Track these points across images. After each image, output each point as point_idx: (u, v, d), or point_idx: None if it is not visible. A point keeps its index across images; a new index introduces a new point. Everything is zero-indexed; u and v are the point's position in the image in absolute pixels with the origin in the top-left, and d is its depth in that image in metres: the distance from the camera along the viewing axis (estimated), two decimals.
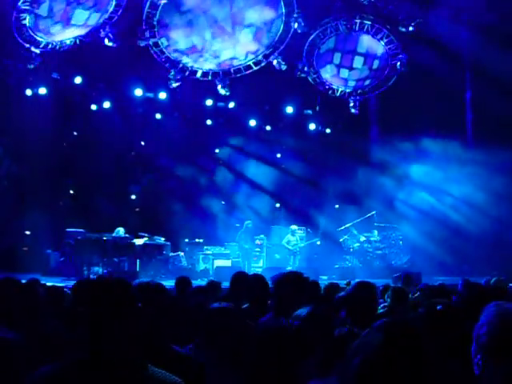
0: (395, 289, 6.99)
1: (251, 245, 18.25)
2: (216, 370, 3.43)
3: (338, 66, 18.32)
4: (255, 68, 17.80)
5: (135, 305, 2.48)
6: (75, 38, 16.43)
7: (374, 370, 1.78)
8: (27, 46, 16.06)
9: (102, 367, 2.30)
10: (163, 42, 16.99)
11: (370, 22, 17.47)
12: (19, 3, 15.14)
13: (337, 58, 18.20)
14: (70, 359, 2.38)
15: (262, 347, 3.67)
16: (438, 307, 3.66)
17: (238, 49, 17.43)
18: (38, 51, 16.23)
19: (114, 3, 16.12)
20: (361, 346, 1.85)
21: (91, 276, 14.67)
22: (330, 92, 18.83)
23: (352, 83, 18.67)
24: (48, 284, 8.58)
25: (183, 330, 4.68)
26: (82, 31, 16.34)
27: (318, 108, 20.06)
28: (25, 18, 15.54)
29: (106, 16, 16.22)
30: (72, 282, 9.76)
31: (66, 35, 16.32)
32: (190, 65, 17.67)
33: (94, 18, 16.19)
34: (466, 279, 9.52)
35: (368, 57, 18.13)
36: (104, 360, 2.32)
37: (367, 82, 18.69)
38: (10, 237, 17.59)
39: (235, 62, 17.77)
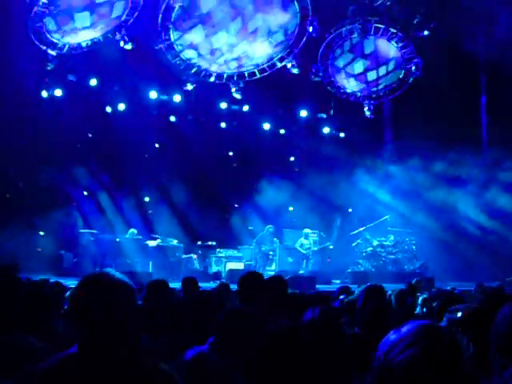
0: (397, 292, 6.96)
1: (269, 248, 18.27)
2: (231, 371, 3.43)
3: (353, 70, 18.29)
4: (270, 71, 17.81)
5: (135, 303, 2.46)
6: (91, 40, 16.52)
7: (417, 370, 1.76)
8: (44, 47, 16.17)
9: (92, 361, 2.30)
10: (178, 44, 17.03)
11: (384, 26, 17.43)
12: (36, 5, 15.25)
13: (352, 61, 18.17)
14: (62, 355, 2.38)
15: (275, 350, 3.67)
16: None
17: (253, 52, 17.43)
18: (54, 53, 16.33)
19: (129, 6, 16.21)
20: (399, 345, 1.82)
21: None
22: (344, 96, 18.80)
23: (367, 87, 18.62)
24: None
25: (189, 330, 4.70)
26: (97, 33, 16.43)
27: (332, 112, 20.04)
28: (41, 20, 15.65)
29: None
30: None
31: (83, 37, 16.41)
32: (204, 67, 17.70)
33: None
34: (479, 284, 9.49)
35: (383, 60, 18.08)
36: (94, 354, 2.32)
37: (382, 86, 18.63)
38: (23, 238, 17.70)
39: (250, 65, 17.78)
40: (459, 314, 3.74)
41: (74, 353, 2.35)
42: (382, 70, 18.25)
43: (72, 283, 11.27)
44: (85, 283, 2.42)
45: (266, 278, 5.88)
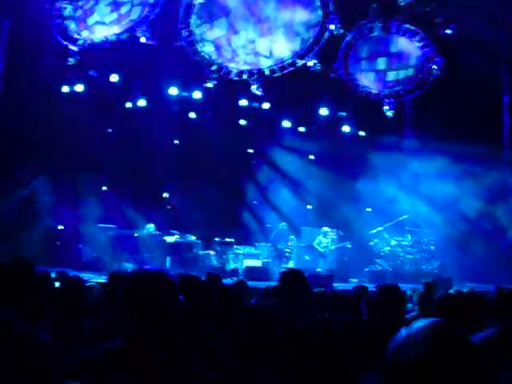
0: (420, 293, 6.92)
1: (284, 246, 18.29)
2: (251, 368, 3.43)
3: (374, 68, 18.22)
4: (290, 69, 17.78)
5: (176, 297, 2.55)
6: (112, 36, 16.62)
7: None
8: (65, 43, 16.31)
9: (139, 355, 2.34)
10: (199, 41, 17.08)
11: (406, 25, 17.34)
12: (58, 1, 15.39)
13: (373, 60, 18.10)
14: (109, 346, 2.43)
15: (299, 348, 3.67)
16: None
17: (274, 49, 17.44)
18: (75, 48, 16.48)
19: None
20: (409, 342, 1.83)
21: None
22: (364, 94, 18.72)
23: (387, 85, 18.54)
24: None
25: (208, 325, 4.72)
26: (119, 29, 16.53)
27: (352, 110, 19.96)
28: (63, 16, 15.78)
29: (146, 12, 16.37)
30: (103, 277, 9.90)
31: (104, 33, 16.52)
32: (224, 64, 17.73)
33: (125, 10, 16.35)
34: (499, 285, 9.40)
35: (404, 59, 17.99)
36: (142, 348, 2.36)
37: (403, 85, 18.52)
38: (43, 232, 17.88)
39: (270, 63, 17.78)
40: None
41: (119, 345, 2.42)
42: (403, 69, 18.15)
43: (90, 277, 11.40)
44: (142, 276, 2.54)
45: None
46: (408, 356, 1.77)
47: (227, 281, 13.59)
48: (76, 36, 16.30)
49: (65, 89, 18.14)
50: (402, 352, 1.79)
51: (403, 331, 1.87)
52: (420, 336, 1.80)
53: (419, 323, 1.86)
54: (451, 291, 9.90)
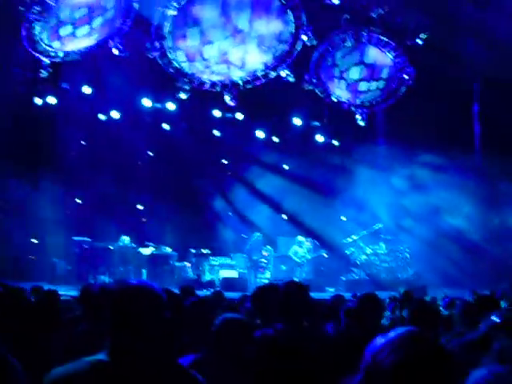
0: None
1: (259, 256, 18.27)
2: (225, 379, 3.43)
3: (346, 79, 18.35)
4: (264, 80, 17.84)
5: (164, 312, 2.50)
6: (85, 48, 16.52)
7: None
8: (37, 55, 16.18)
9: (122, 369, 2.31)
10: (172, 53, 17.06)
11: (377, 35, 17.52)
12: (29, 13, 15.27)
13: (345, 70, 18.23)
14: (90, 360, 2.39)
15: (270, 357, 3.68)
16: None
17: (247, 60, 17.48)
18: (47, 61, 16.34)
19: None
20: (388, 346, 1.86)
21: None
22: (336, 104, 18.84)
23: (360, 95, 18.68)
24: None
25: (186, 337, 4.70)
26: (91, 41, 16.45)
27: (325, 120, 20.08)
28: (34, 28, 15.67)
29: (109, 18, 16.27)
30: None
31: (77, 45, 16.42)
32: (197, 76, 17.72)
33: (98, 22, 16.29)
34: (474, 290, 9.53)
35: (376, 69, 18.15)
36: (125, 362, 2.33)
37: (375, 95, 18.68)
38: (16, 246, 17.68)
39: (244, 74, 17.81)
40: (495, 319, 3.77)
41: (103, 359, 2.38)
42: (375, 79, 18.31)
43: (65, 291, 11.26)
44: (125, 291, 2.48)
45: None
46: (385, 363, 1.81)
47: (203, 292, 13.57)
48: (48, 48, 16.16)
49: (37, 101, 18.00)
50: (379, 359, 1.83)
51: (380, 339, 1.90)
52: (396, 344, 1.84)
53: (395, 332, 1.90)
54: (427, 298, 10.02)
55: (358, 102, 18.73)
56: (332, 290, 16.75)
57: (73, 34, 16.22)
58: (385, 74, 18.17)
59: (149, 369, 2.37)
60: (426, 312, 5.22)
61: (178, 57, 17.23)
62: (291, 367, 3.02)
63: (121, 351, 2.36)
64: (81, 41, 16.35)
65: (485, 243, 18.30)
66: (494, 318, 3.77)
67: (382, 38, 17.49)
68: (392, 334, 1.89)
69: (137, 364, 2.35)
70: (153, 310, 2.43)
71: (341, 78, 18.28)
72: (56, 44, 16.27)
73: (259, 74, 17.79)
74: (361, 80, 18.24)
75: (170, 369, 2.48)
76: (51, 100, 18.04)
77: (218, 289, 14.58)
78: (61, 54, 16.46)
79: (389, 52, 17.77)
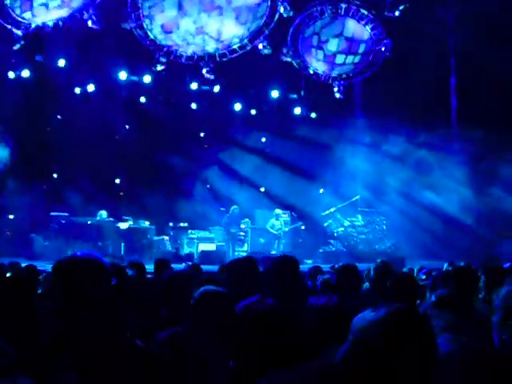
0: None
1: (237, 229, 18.31)
2: (206, 351, 3.46)
3: (323, 51, 18.27)
4: (240, 52, 17.71)
5: (106, 282, 2.54)
6: (58, 19, 16.21)
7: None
8: (9, 27, 15.87)
9: (79, 338, 2.34)
10: (148, 24, 16.84)
11: (355, 7, 17.43)
12: None
13: (321, 42, 18.14)
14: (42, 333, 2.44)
15: (252, 329, 3.71)
16: None
17: (223, 32, 17.32)
18: (20, 33, 16.04)
19: None
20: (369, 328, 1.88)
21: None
22: (314, 77, 18.79)
23: (336, 68, 18.64)
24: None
25: (162, 312, 4.72)
26: (64, 13, 16.14)
27: (302, 92, 20.05)
28: None
29: None
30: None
31: (49, 17, 16.11)
32: (174, 48, 17.54)
33: None
34: (452, 262, 9.66)
35: (353, 41, 18.07)
36: (71, 330, 2.36)
37: (351, 67, 18.64)
38: None
39: (220, 46, 17.66)
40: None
41: (59, 333, 2.40)
42: (352, 51, 18.24)
43: (43, 266, 11.20)
44: (72, 263, 2.53)
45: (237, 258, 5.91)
46: (375, 342, 1.83)
47: (182, 266, 13.58)
48: (21, 20, 15.84)
49: (11, 74, 17.72)
50: (369, 336, 1.85)
51: (369, 314, 1.92)
52: (387, 323, 1.86)
53: (386, 308, 1.91)
54: (404, 270, 10.14)
55: (334, 74, 18.70)
56: (310, 262, 16.84)
57: (45, 5, 15.88)
58: (362, 48, 18.11)
59: (92, 337, 2.40)
60: (406, 283, 5.30)
61: (155, 29, 17.01)
62: (277, 342, 3.05)
63: (68, 320, 2.40)
64: (53, 12, 16.02)
65: (462, 215, 18.52)
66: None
67: (360, 9, 17.40)
68: (381, 311, 1.91)
69: (81, 332, 2.38)
70: (95, 279, 2.48)
71: (319, 48, 18.17)
72: (27, 15, 15.93)
73: (236, 46, 17.65)
74: (338, 53, 18.18)
75: (115, 338, 2.51)
76: (25, 73, 17.77)
77: (197, 262, 14.64)
78: (34, 26, 16.15)
79: (366, 24, 17.70)
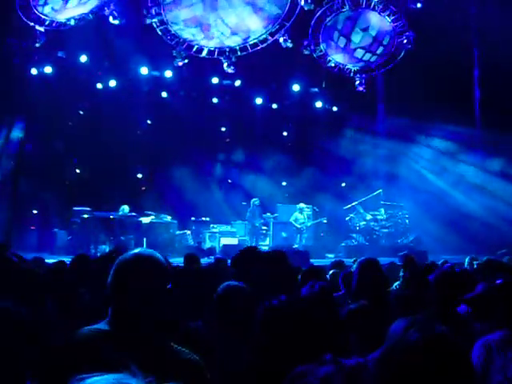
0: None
1: (260, 223, 18.31)
2: (226, 346, 3.45)
3: (344, 43, 18.14)
4: (261, 46, 17.66)
5: (168, 284, 2.50)
6: (80, 15, 16.29)
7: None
8: (32, 24, 15.98)
9: (122, 340, 2.31)
10: (169, 19, 16.85)
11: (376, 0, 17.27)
12: None
13: (343, 35, 18.01)
14: (92, 328, 2.40)
15: (270, 325, 3.69)
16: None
17: (245, 26, 17.28)
18: (42, 29, 16.14)
19: None
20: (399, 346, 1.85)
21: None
22: (335, 70, 18.67)
23: (358, 61, 18.49)
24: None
25: (190, 306, 4.71)
26: (86, 9, 16.22)
27: (324, 85, 19.94)
28: None
29: None
30: None
31: (71, 13, 16.20)
32: (195, 43, 17.54)
33: None
34: (472, 257, 9.56)
35: (375, 34, 17.93)
36: (126, 333, 2.34)
37: (373, 60, 18.48)
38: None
39: (241, 40, 17.63)
40: None
41: (103, 328, 2.40)
42: (374, 43, 18.07)
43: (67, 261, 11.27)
44: (129, 259, 2.47)
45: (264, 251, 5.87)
46: (412, 363, 1.80)
47: (204, 260, 13.59)
48: (43, 17, 15.93)
49: (33, 71, 17.85)
50: (408, 356, 1.82)
51: (409, 332, 1.89)
52: (428, 349, 1.81)
53: (425, 332, 1.87)
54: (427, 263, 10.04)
55: (357, 67, 18.56)
56: (332, 256, 16.79)
57: (66, 2, 15.95)
58: (385, 41, 17.90)
59: (153, 334, 2.40)
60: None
61: (176, 24, 17.01)
62: (300, 334, 3.04)
63: (125, 315, 2.38)
64: (74, 9, 16.10)
65: (483, 211, 18.27)
66: None
67: (381, 1, 17.23)
68: (422, 334, 1.86)
69: (141, 328, 2.36)
70: (158, 278, 2.44)
71: (342, 35, 17.98)
72: (46, 8, 15.99)
73: (257, 40, 17.59)
74: (359, 47, 18.03)
75: (173, 335, 2.50)
76: (48, 69, 17.90)
77: (219, 256, 14.64)
78: (56, 23, 16.24)
79: (388, 16, 17.53)
